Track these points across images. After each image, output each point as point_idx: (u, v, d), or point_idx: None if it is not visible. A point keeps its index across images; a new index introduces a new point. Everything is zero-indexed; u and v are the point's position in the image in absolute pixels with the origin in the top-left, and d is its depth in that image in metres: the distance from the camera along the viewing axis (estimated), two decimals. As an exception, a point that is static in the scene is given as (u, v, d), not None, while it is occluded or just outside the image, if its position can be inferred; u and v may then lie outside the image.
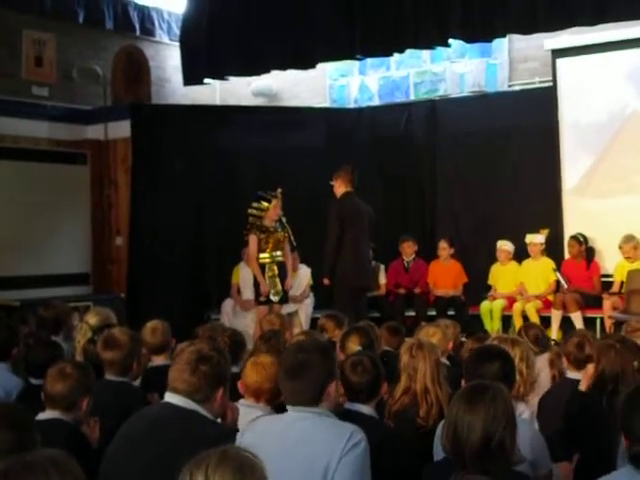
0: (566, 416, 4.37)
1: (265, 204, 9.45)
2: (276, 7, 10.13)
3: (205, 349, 3.57)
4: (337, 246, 9.08)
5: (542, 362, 5.16)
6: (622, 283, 9.52)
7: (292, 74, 11.32)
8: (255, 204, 9.48)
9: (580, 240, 9.94)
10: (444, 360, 5.17)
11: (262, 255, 9.45)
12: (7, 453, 2.72)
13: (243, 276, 10.23)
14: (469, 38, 9.43)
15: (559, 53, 10.50)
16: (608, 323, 9.21)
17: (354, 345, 5.13)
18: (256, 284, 9.50)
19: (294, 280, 9.91)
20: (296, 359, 3.43)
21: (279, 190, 9.47)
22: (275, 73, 11.03)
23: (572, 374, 4.68)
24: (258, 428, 3.44)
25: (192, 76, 11.05)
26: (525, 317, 9.73)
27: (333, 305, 8.89)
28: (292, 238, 9.59)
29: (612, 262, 9.97)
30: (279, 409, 3.97)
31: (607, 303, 9.37)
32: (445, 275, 10.56)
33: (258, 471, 2.39)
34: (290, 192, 9.68)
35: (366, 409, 3.90)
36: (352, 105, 12.20)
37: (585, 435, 4.17)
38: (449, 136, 11.13)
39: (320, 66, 10.97)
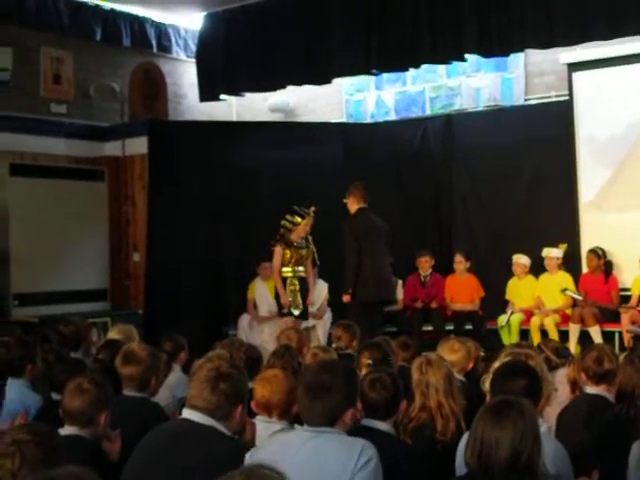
0: (588, 430, 4.35)
1: (298, 219, 9.53)
2: (292, 23, 10.19)
3: (224, 366, 3.58)
4: (357, 263, 9.08)
5: (561, 376, 5.14)
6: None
7: (308, 89, 11.37)
8: (289, 217, 9.55)
9: (599, 254, 9.90)
10: (460, 377, 5.16)
11: (285, 269, 9.52)
12: (36, 469, 2.75)
13: (259, 291, 10.28)
14: (485, 53, 9.47)
15: (575, 67, 10.50)
16: (627, 337, 9.16)
17: (366, 360, 5.15)
18: (277, 297, 9.56)
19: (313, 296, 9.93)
20: (319, 379, 3.42)
21: (312, 208, 9.56)
22: (291, 89, 11.08)
23: (591, 389, 4.66)
24: (271, 445, 3.44)
25: (208, 92, 11.13)
26: (543, 331, 9.70)
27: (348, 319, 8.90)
28: (316, 256, 9.67)
29: (630, 276, 9.92)
30: (297, 422, 3.98)
31: (625, 317, 9.32)
32: (462, 289, 10.55)
33: None
34: (308, 207, 9.71)
35: (384, 426, 3.89)
36: (368, 120, 12.22)
37: (605, 449, 4.15)
38: (465, 150, 11.10)
39: (336, 81, 11.02)
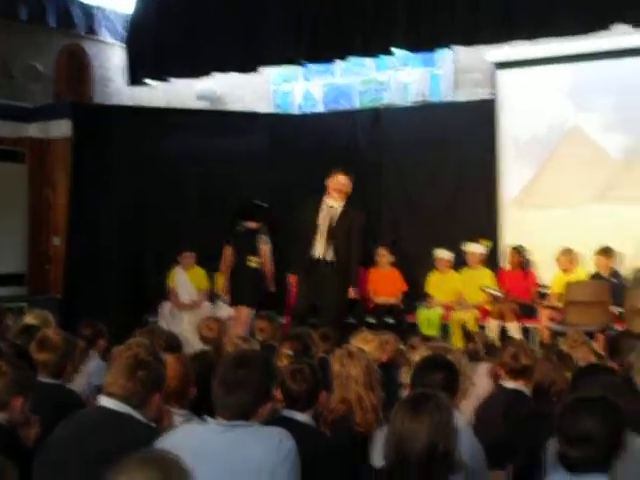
0: (505, 424, 4.41)
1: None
2: (221, 9, 10.10)
3: (142, 354, 3.54)
4: None
5: (482, 370, 5.21)
6: (559, 294, 9.63)
7: (236, 78, 11.28)
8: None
9: (520, 251, 10.10)
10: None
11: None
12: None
13: (179, 280, 10.26)
14: (413, 47, 9.50)
15: (501, 65, 10.64)
16: (545, 334, 9.33)
17: (287, 351, 5.14)
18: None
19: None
20: (235, 373, 3.37)
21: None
22: (219, 76, 10.98)
23: (508, 384, 4.72)
24: (179, 437, 3.35)
25: (136, 76, 10.99)
26: (463, 326, 9.80)
27: (327, 316, 8.89)
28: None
29: (548, 273, 10.11)
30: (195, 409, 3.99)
31: (544, 314, 9.48)
32: (384, 282, 10.59)
33: (183, 472, 2.40)
34: (234, 197, 9.68)
35: (303, 417, 3.88)
36: (296, 111, 12.19)
37: (521, 444, 4.21)
38: (393, 145, 11.14)
39: (264, 71, 10.96)
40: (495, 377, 5.01)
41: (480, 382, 5.01)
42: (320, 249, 8.93)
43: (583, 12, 8.14)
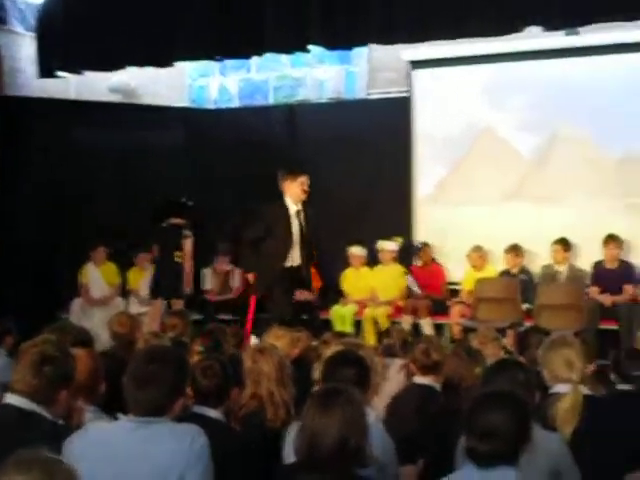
0: (416, 419, 4.44)
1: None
2: (137, 2, 9.95)
3: (49, 350, 3.47)
4: None
5: (395, 366, 5.25)
6: (470, 291, 9.76)
7: (152, 71, 11.14)
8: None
9: (432, 247, 10.21)
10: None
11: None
12: None
13: (92, 276, 10.15)
14: (329, 45, 9.50)
15: (416, 64, 10.73)
16: (456, 330, 9.45)
17: (198, 347, 5.11)
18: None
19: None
20: (146, 369, 3.31)
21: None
22: (134, 69, 10.84)
23: (420, 379, 4.76)
24: (89, 436, 3.28)
25: (47, 68, 10.73)
26: (376, 322, 9.86)
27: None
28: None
29: (460, 270, 10.24)
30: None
31: (455, 310, 9.62)
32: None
33: (67, 472, 2.37)
34: (148, 191, 9.56)
35: (214, 413, 3.86)
36: (212, 106, 12.11)
37: (432, 439, 4.24)
38: (308, 141, 11.15)
39: (180, 65, 10.85)
40: (407, 373, 5.04)
41: (394, 378, 5.05)
42: (295, 257, 8.68)
43: (498, 14, 8.23)
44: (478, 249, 9.99)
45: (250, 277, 8.75)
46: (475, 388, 3.90)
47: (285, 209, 8.37)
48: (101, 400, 4.07)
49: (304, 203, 8.65)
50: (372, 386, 4.00)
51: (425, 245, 10.32)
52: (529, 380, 3.83)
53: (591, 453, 3.88)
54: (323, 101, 11.48)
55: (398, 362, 5.35)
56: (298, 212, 8.41)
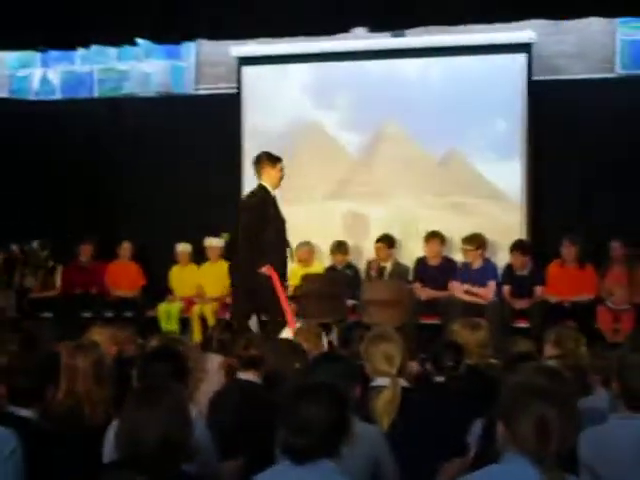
0: (238, 414, 4.43)
1: None
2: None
3: None
4: None
5: (215, 363, 5.22)
6: (296, 287, 9.83)
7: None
8: None
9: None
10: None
11: None
12: None
13: None
14: (156, 39, 9.38)
15: (245, 61, 10.72)
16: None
17: (12, 346, 4.94)
18: None
19: None
20: None
21: None
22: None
23: (241, 375, 4.75)
24: None
25: None
26: (203, 319, 9.81)
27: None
28: None
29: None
30: None
31: (282, 306, 9.66)
32: (123, 276, 10.44)
33: None
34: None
35: (28, 412, 3.72)
36: (33, 97, 11.71)
37: (253, 434, 4.24)
38: (133, 136, 10.96)
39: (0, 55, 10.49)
40: (229, 368, 5.03)
41: (215, 374, 5.03)
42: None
43: (326, 14, 8.33)
44: (306, 244, 10.09)
45: (267, 270, 7.97)
46: (293, 382, 3.92)
47: (269, 193, 8.07)
48: None
49: None
50: (192, 381, 3.97)
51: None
52: (349, 373, 3.88)
53: (408, 444, 3.98)
54: (149, 95, 11.29)
55: (216, 358, 5.32)
56: (274, 198, 8.16)
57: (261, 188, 8.06)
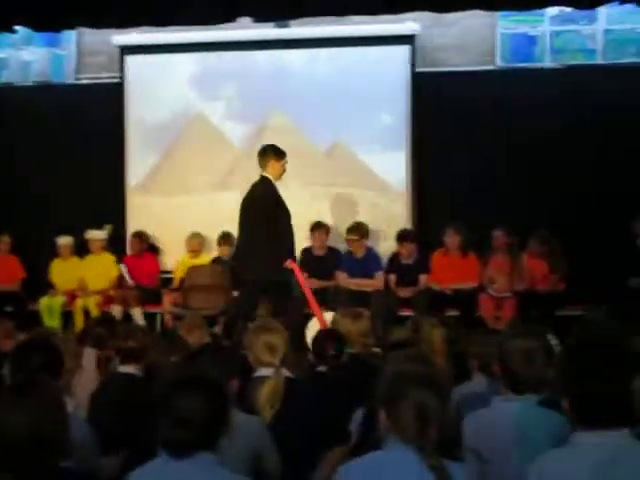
0: (118, 409, 4.36)
1: None
2: None
3: None
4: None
5: (93, 356, 5.12)
6: (182, 279, 9.76)
7: None
8: None
9: (142, 237, 10.09)
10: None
11: None
12: None
13: None
14: (36, 27, 9.14)
15: (128, 50, 10.55)
16: (167, 319, 9.43)
17: None
18: None
19: None
20: None
21: None
22: None
23: (122, 368, 4.68)
24: None
25: None
26: (87, 312, 9.65)
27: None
28: None
29: (173, 259, 10.22)
30: None
31: (167, 299, 9.62)
32: (2, 269, 10.22)
33: None
34: None
35: None
36: None
37: (134, 428, 4.18)
38: (10, 125, 10.68)
39: None
40: (106, 361, 4.95)
41: (92, 367, 4.94)
42: None
43: (210, 4, 8.26)
44: (197, 235, 10.05)
45: (290, 264, 8.07)
46: (172, 375, 3.87)
47: (274, 184, 8.22)
48: None
49: None
50: (66, 374, 3.88)
51: (138, 234, 10.17)
52: (230, 364, 3.86)
53: (291, 434, 3.98)
54: (28, 84, 10.99)
55: (93, 352, 5.23)
56: None
57: (266, 179, 8.21)
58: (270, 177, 8.20)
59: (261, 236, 7.98)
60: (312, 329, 7.01)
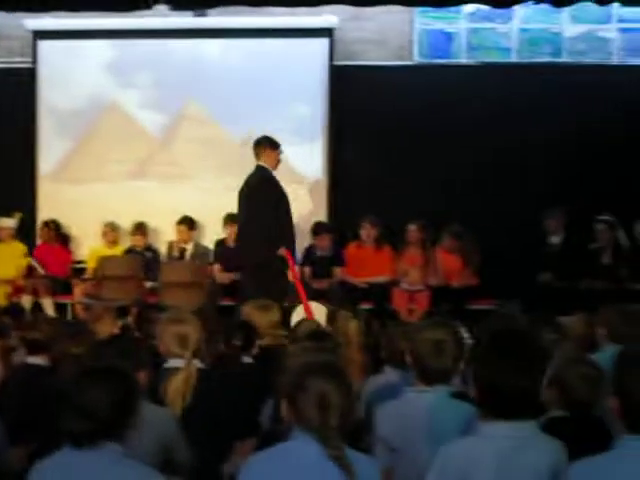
0: (25, 401, 4.29)
1: None
2: None
3: None
4: None
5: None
6: (94, 269, 9.63)
7: None
8: None
9: (52, 226, 9.93)
10: None
11: None
12: None
13: None
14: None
15: (41, 35, 10.35)
16: (79, 309, 9.30)
17: None
18: None
19: None
20: None
21: None
22: None
23: (29, 359, 4.60)
24: None
25: None
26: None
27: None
28: None
29: (86, 248, 10.08)
30: None
31: (77, 289, 9.53)
32: None
33: None
34: None
35: None
36: None
37: (42, 420, 4.11)
38: None
39: None
40: (9, 351, 4.86)
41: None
42: None
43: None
44: (111, 225, 9.92)
45: (283, 252, 7.92)
46: (77, 366, 3.81)
47: (270, 171, 8.17)
48: None
49: None
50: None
51: (45, 223, 9.99)
52: (138, 355, 3.80)
53: (202, 425, 3.96)
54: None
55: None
56: None
57: (262, 167, 8.17)
58: (266, 165, 8.18)
59: (261, 220, 7.94)
60: (297, 315, 6.97)
